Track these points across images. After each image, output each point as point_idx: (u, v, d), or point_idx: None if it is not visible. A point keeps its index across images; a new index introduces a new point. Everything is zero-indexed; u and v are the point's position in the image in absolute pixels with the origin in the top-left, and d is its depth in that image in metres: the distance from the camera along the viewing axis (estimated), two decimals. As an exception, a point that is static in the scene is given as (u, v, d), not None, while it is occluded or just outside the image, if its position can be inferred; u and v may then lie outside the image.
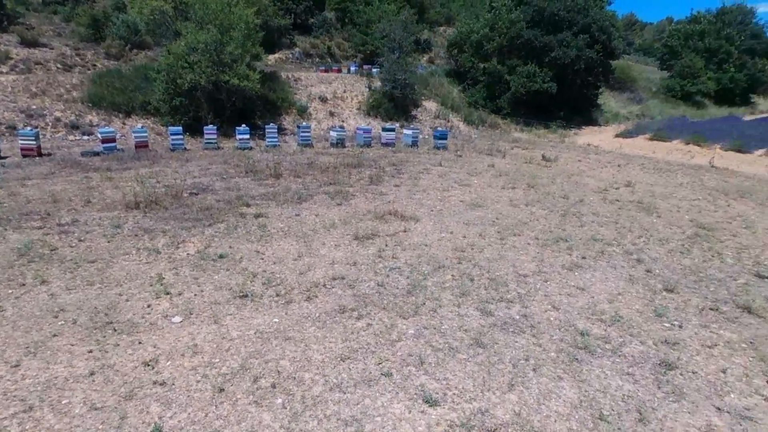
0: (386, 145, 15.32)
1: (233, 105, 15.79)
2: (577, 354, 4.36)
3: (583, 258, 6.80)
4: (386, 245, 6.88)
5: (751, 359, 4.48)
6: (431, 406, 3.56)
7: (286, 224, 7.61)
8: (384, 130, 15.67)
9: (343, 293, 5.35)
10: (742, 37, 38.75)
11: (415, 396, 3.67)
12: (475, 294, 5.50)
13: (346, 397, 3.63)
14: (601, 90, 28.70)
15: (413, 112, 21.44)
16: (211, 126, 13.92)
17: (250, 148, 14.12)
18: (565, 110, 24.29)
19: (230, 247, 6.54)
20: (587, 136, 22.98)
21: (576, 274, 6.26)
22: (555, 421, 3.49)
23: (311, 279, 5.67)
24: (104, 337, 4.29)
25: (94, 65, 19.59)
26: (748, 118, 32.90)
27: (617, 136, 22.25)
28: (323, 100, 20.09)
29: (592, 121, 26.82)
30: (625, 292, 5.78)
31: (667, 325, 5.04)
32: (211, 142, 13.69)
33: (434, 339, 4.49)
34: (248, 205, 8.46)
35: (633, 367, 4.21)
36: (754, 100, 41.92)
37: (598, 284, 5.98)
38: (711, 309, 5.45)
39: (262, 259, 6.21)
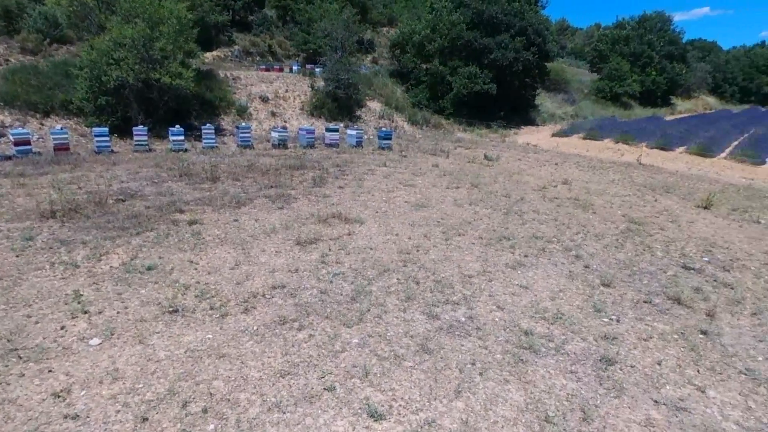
0: (330, 145, 15.04)
1: (166, 104, 14.89)
2: (522, 354, 4.35)
3: (526, 256, 6.90)
4: (330, 250, 6.65)
5: (682, 349, 4.67)
6: (376, 420, 3.39)
7: (222, 231, 7.18)
8: (327, 130, 15.37)
9: (283, 303, 5.08)
10: (662, 43, 41.78)
11: (359, 411, 3.48)
12: (420, 297, 5.39)
13: (286, 417, 3.38)
14: (537, 91, 29.86)
15: (357, 113, 21.26)
16: (141, 127, 13.02)
17: (186, 150, 13.36)
18: (505, 110, 25.04)
19: (160, 257, 6.05)
20: (526, 135, 23.79)
21: (519, 272, 6.32)
22: (502, 426, 3.42)
23: (249, 289, 5.34)
24: (6, 366, 3.78)
25: (8, 60, 17.83)
26: (669, 118, 35.46)
27: (554, 135, 23.19)
28: (264, 99, 19.46)
29: (530, 121, 27.83)
30: (566, 289, 5.90)
31: (605, 320, 5.17)
32: (142, 144, 12.81)
33: (379, 347, 4.32)
34: (181, 211, 7.93)
35: (576, 365, 4.25)
36: (674, 101, 45.34)
37: (541, 282, 6.06)
38: (645, 302, 5.66)
39: (196, 269, 5.79)
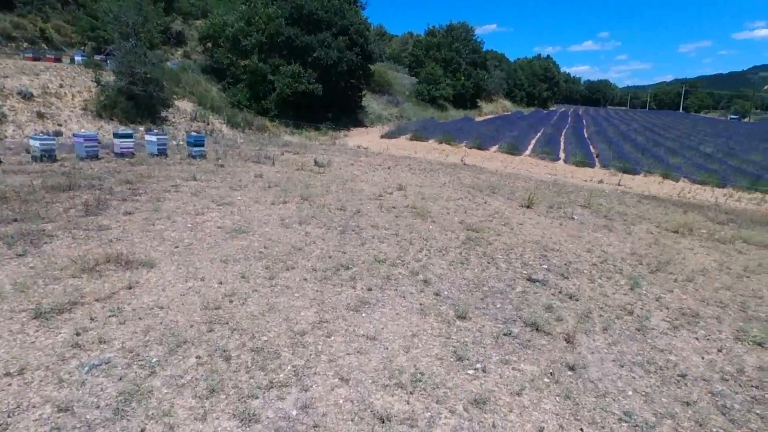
0: (121, 155, 11.93)
1: None
2: (380, 469, 3.01)
3: (370, 290, 5.68)
4: (92, 320, 4.45)
5: (557, 400, 3.91)
6: None
7: None
8: (117, 136, 12.16)
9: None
10: (467, 51, 46.30)
11: None
12: (231, 386, 3.69)
13: None
14: (364, 92, 29.88)
15: (163, 114, 17.96)
16: None
17: None
18: (333, 112, 24.19)
19: None
20: (356, 137, 23.32)
21: (364, 315, 5.05)
22: None
23: None
24: None
25: None
26: (478, 119, 39.31)
27: (383, 137, 23.17)
28: (26, 96, 14.91)
29: (359, 123, 27.61)
30: (420, 331, 4.82)
31: (471, 372, 4.19)
32: None
33: None
34: None
35: (452, 468, 3.08)
36: (480, 104, 50.83)
37: (390, 326, 4.88)
38: (505, 334, 4.90)
39: None
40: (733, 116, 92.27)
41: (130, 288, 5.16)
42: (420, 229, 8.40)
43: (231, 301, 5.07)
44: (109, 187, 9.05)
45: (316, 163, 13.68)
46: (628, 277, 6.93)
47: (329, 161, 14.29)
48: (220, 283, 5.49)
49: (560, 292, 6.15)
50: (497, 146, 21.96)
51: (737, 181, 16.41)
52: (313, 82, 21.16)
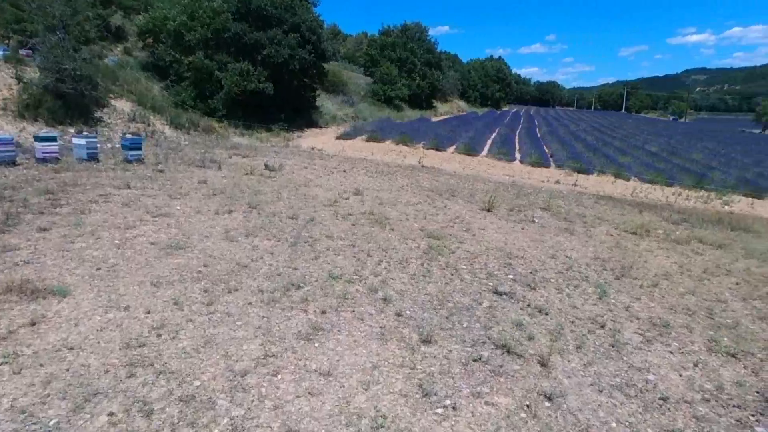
0: (44, 161, 10.66)
1: None
2: None
3: (323, 313, 5.07)
4: (-23, 371, 3.60)
5: (539, 440, 3.46)
6: None
7: None
8: (38, 139, 10.85)
9: None
10: (422, 51, 46.27)
11: None
12: (150, 453, 2.99)
13: None
14: (318, 92, 29.04)
15: (98, 114, 16.51)
16: None
17: None
18: (286, 112, 23.25)
19: None
20: (311, 138, 22.52)
21: (316, 345, 4.43)
22: None
23: None
24: None
25: None
26: (434, 119, 39.29)
27: (338, 138, 22.49)
28: (-68, 94, 13.20)
29: (313, 123, 26.77)
30: (381, 362, 4.26)
31: (439, 411, 3.68)
32: None
33: None
34: None
35: None
36: (436, 104, 50.99)
37: (347, 357, 4.29)
38: (474, 360, 4.43)
39: None
40: (672, 116, 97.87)
41: (34, 324, 4.31)
42: (378, 238, 7.86)
43: (159, 336, 4.32)
44: (24, 198, 7.93)
45: (266, 166, 12.86)
46: (594, 284, 6.66)
47: (281, 165, 13.50)
48: (148, 312, 4.71)
49: (529, 306, 5.76)
50: (454, 147, 21.78)
51: (684, 180, 16.92)
52: (263, 80, 20.16)
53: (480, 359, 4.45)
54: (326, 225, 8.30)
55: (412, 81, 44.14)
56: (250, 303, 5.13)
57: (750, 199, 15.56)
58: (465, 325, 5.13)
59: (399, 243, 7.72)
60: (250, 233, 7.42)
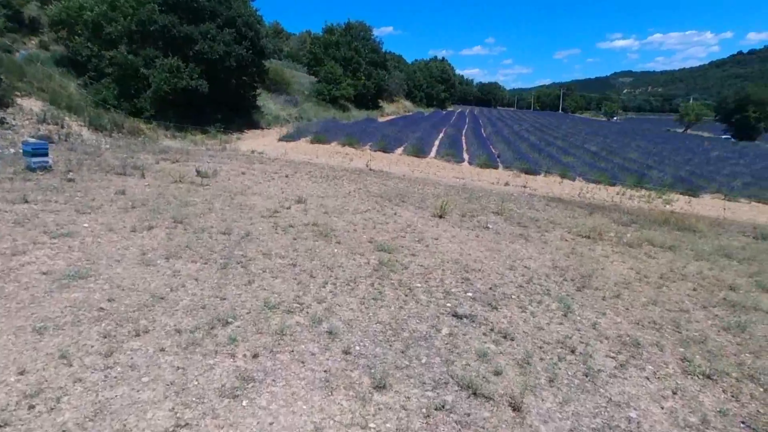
0: None
1: None
2: None
3: (255, 357, 4.20)
4: None
5: None
6: None
7: None
8: None
9: None
10: (367, 50, 45.60)
11: None
12: None
13: None
14: (259, 91, 27.61)
15: (0, 114, 14.48)
16: None
17: None
18: (224, 112, 21.76)
19: None
20: (251, 140, 21.20)
21: (245, 404, 3.57)
22: None
23: None
24: None
25: None
26: (381, 119, 38.75)
27: (281, 140, 21.32)
28: None
29: (254, 124, 25.37)
30: (325, 421, 3.47)
31: (399, 489, 2.94)
32: None
33: None
34: None
35: None
36: (382, 104, 50.52)
37: (283, 418, 3.47)
38: (437, 409, 3.74)
39: None
40: (613, 117, 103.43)
41: None
42: (323, 254, 7.03)
43: (32, 408, 3.30)
44: None
45: (198, 173, 11.63)
46: (557, 299, 6.20)
47: (215, 170, 12.30)
48: (22, 373, 3.65)
49: (492, 330, 5.16)
50: (402, 148, 21.25)
51: (625, 179, 17.30)
52: (196, 77, 18.63)
53: (444, 407, 3.76)
54: (264, 240, 7.37)
55: (357, 81, 43.37)
56: (162, 349, 4.16)
57: (687, 197, 16.11)
58: (424, 361, 4.44)
59: (346, 259, 6.94)
60: (171, 254, 6.37)
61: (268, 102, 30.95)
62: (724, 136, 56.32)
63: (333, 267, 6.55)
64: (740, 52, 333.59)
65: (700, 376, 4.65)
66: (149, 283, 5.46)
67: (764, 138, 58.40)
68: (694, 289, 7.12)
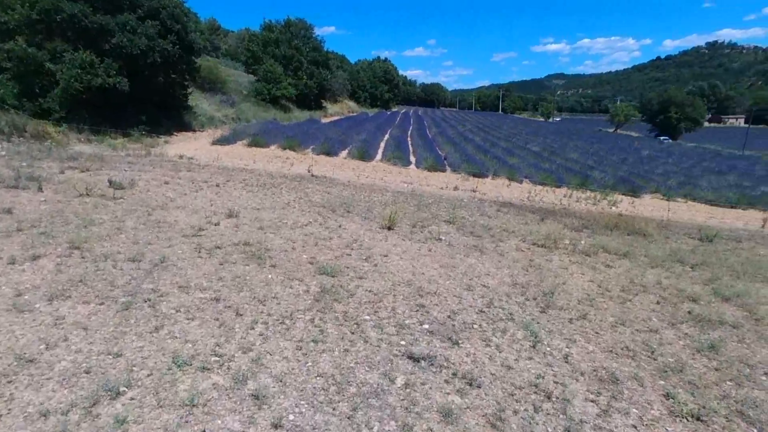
0: None
1: None
2: None
3: (150, 448, 3.12)
4: None
5: None
6: None
7: None
8: None
9: None
10: (308, 49, 44.14)
11: None
12: None
13: None
14: (190, 90, 25.60)
15: None
16: None
17: None
18: (148, 113, 19.80)
19: None
20: (181, 144, 19.42)
21: None
22: None
23: None
24: None
25: None
26: (324, 120, 37.53)
27: (214, 143, 19.71)
28: None
29: (185, 126, 23.45)
30: None
31: None
32: None
33: None
34: None
35: None
36: (326, 105, 49.19)
37: None
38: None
39: None
40: (543, 117, 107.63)
41: None
42: (254, 282, 5.97)
43: None
44: None
45: (111, 184, 10.10)
46: (522, 325, 5.52)
47: (133, 180, 10.78)
48: None
49: (455, 375, 4.37)
50: (347, 151, 20.29)
51: (570, 180, 17.34)
52: (114, 74, 16.67)
53: (403, 503, 2.89)
54: (182, 267, 6.19)
55: (299, 80, 41.81)
56: (12, 450, 3.00)
57: (630, 198, 16.34)
58: (376, 429, 3.55)
59: (282, 287, 5.92)
60: (57, 294, 5.08)
61: (201, 102, 28.91)
62: (662, 137, 59.43)
63: (265, 299, 5.52)
64: (659, 58, 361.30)
65: (690, 418, 4.09)
66: (18, 339, 4.20)
67: (685, 137, 62.83)
68: (658, 303, 6.74)
